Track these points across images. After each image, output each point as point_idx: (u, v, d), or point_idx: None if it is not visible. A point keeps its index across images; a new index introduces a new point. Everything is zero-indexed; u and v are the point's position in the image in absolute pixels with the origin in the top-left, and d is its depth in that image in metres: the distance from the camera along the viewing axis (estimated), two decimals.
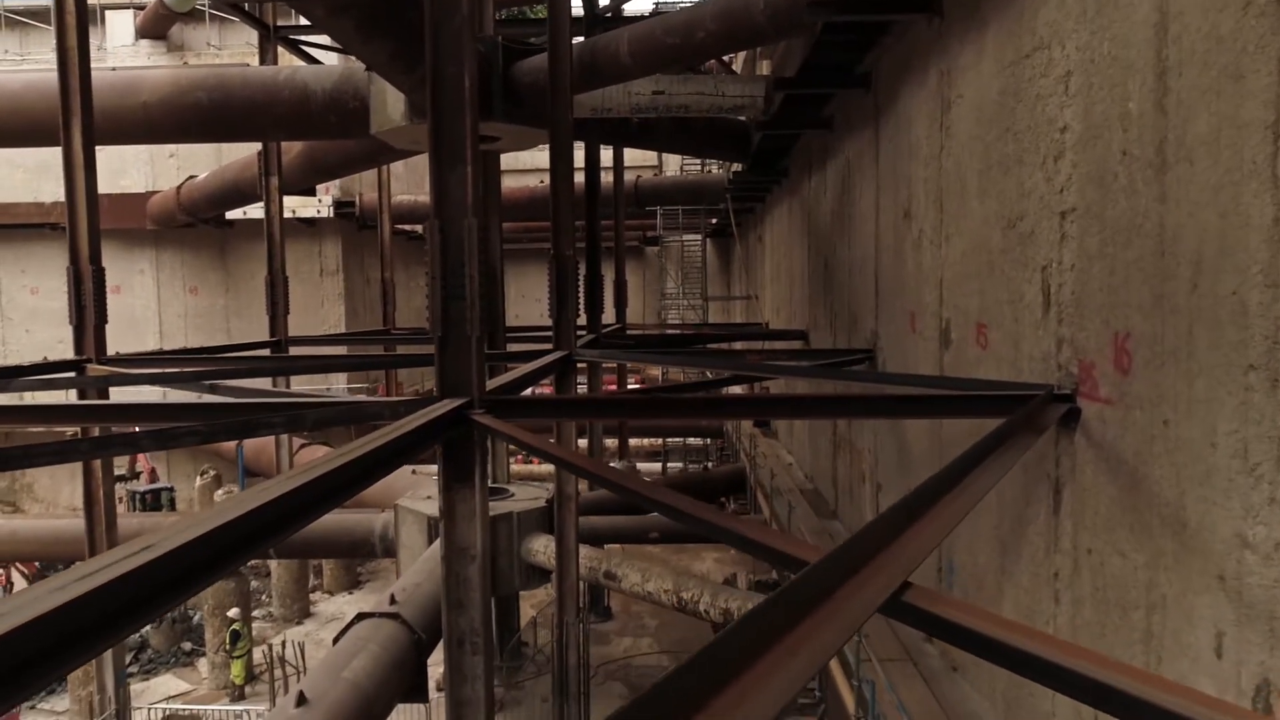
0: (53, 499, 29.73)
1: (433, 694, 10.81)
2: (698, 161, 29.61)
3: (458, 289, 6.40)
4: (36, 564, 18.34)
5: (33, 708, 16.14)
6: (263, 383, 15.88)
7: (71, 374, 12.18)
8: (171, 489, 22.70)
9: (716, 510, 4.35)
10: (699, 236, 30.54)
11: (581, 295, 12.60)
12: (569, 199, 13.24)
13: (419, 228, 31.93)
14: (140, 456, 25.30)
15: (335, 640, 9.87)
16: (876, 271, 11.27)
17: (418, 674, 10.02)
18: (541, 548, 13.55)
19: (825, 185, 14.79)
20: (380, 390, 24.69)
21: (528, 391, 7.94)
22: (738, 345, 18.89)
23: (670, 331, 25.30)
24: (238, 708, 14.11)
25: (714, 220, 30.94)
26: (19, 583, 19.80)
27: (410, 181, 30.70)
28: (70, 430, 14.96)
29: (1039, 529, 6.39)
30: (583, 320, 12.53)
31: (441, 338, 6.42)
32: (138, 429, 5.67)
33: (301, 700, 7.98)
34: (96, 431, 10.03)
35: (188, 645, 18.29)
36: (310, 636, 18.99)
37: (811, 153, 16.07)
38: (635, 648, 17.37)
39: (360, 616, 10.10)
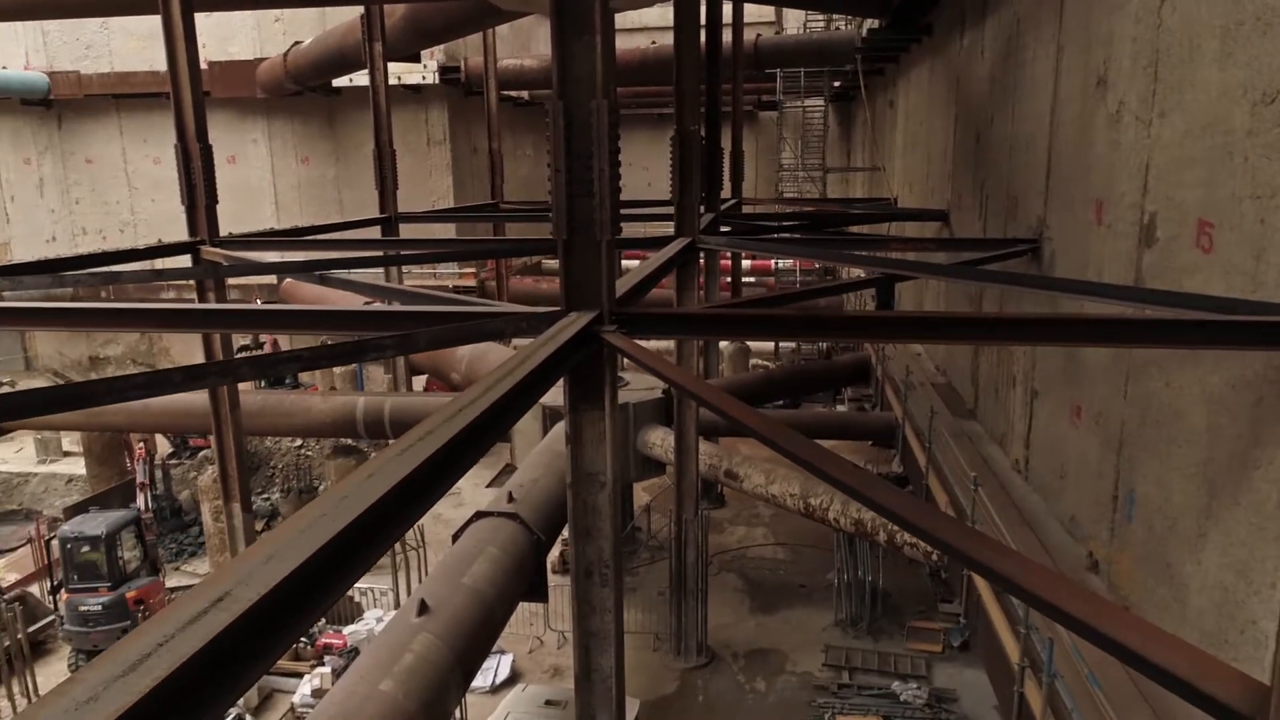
0: (188, 362, 31.16)
1: None
2: (821, 18, 27.09)
3: (584, 184, 5.52)
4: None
5: (177, 568, 17.20)
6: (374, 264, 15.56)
7: (188, 259, 12.01)
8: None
9: (846, 466, 3.80)
10: (821, 101, 28.28)
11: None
12: (695, 66, 11.94)
13: (525, 94, 30.74)
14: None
15: (454, 538, 9.69)
16: (1050, 149, 9.74)
17: (536, 574, 9.80)
18: (658, 440, 13.06)
19: (982, 45, 12.94)
20: (489, 269, 24.34)
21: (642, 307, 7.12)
22: (860, 228, 17.45)
23: (791, 209, 23.80)
24: (362, 584, 14.53)
25: (837, 84, 28.57)
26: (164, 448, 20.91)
27: (515, 44, 29.30)
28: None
29: (1272, 476, 5.29)
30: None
31: (567, 241, 5.61)
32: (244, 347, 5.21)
33: (423, 609, 7.77)
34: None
35: None
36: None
37: (965, 6, 14.08)
38: (750, 537, 17.05)
39: (478, 515, 9.85)
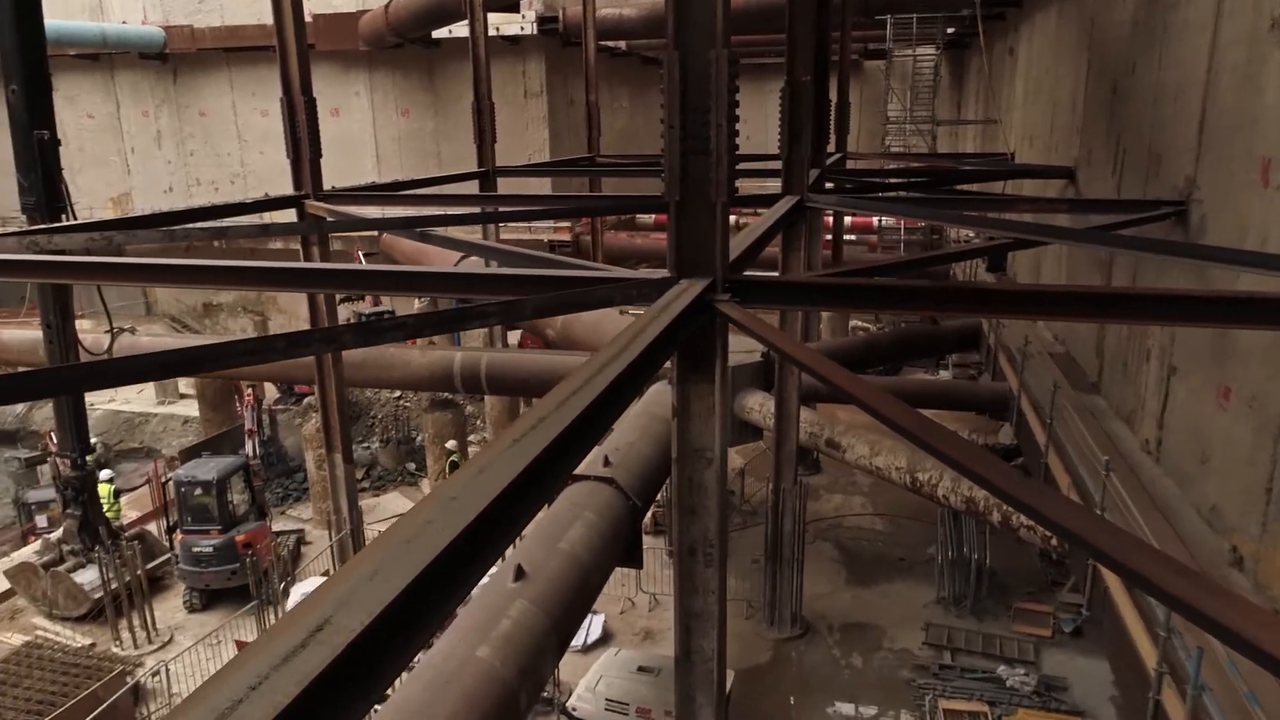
0: (293, 310, 32.13)
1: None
2: None
3: (700, 140, 5.13)
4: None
5: (283, 513, 17.83)
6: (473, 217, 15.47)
7: (292, 213, 12.10)
8: (393, 312, 23.64)
9: (961, 444, 3.52)
10: (934, 50, 26.72)
11: None
12: (807, 13, 11.27)
13: (622, 44, 30.11)
14: (359, 260, 26.50)
15: (549, 501, 9.58)
16: (1205, 100, 8.80)
17: (632, 540, 9.61)
18: (756, 406, 12.67)
19: None
20: (584, 224, 24.09)
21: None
22: (973, 186, 16.43)
23: (897, 165, 22.71)
24: None
25: (951, 30, 26.97)
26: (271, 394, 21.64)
27: None
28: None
29: None
30: None
31: (679, 202, 5.24)
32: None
33: (520, 574, 7.66)
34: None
35: (412, 466, 19.43)
36: None
37: None
38: (846, 506, 16.57)
39: (574, 478, 9.69)
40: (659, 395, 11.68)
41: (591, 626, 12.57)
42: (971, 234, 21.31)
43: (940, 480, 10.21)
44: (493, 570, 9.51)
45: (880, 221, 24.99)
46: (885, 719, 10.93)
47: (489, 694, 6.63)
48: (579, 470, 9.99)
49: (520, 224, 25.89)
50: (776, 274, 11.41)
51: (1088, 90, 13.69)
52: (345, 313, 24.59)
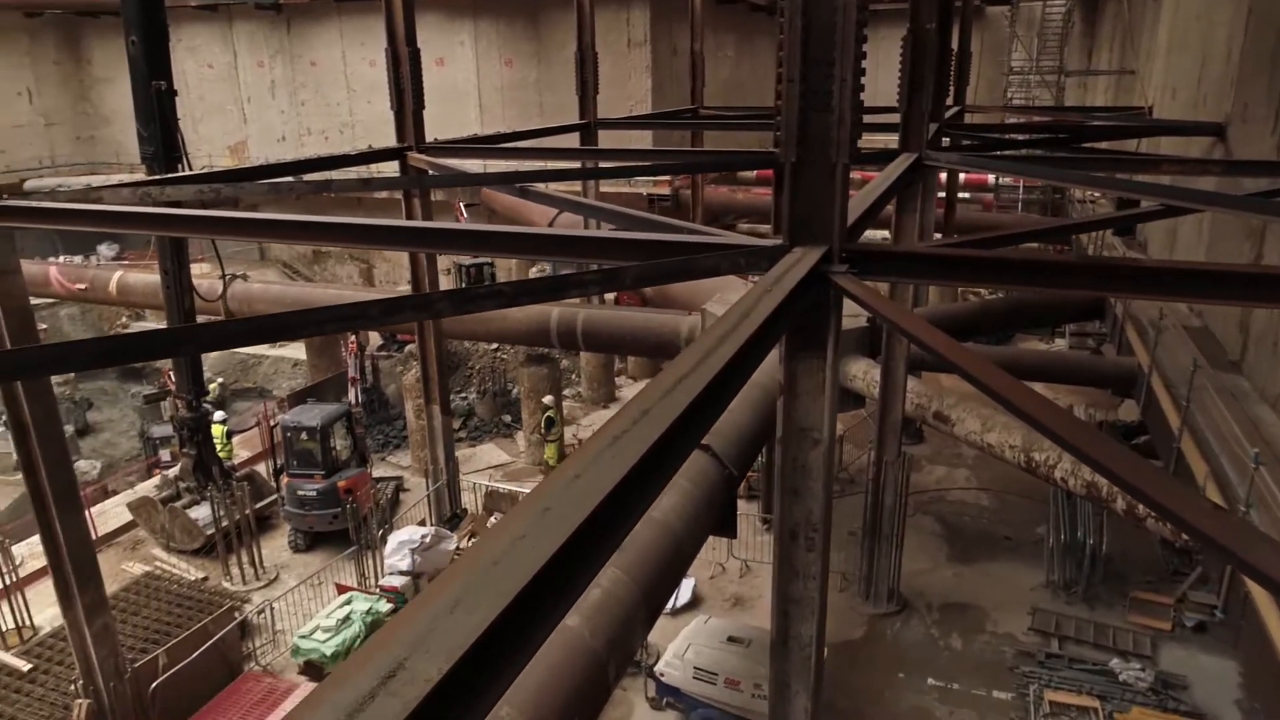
0: (398, 259, 32.77)
1: None
2: None
3: (822, 95, 4.68)
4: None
5: (383, 459, 18.28)
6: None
7: (394, 165, 12.08)
8: (492, 264, 23.76)
9: (1092, 436, 3.16)
10: None
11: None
12: None
13: None
14: (460, 214, 26.71)
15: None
16: None
17: (726, 509, 9.36)
18: (860, 374, 12.14)
19: None
20: (684, 180, 23.57)
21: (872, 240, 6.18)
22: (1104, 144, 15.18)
23: (1021, 119, 21.33)
24: None
25: None
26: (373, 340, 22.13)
27: None
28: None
29: None
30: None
31: (796, 163, 4.84)
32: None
33: None
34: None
35: (507, 418, 19.60)
36: None
37: None
38: (950, 479, 15.91)
39: None
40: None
41: (681, 590, 12.44)
42: (1097, 195, 19.90)
43: (1059, 462, 9.56)
44: None
45: (997, 179, 23.64)
46: (986, 705, 10.47)
47: (577, 665, 6.53)
48: None
49: (619, 177, 25.55)
50: (891, 243, 10.81)
51: (1247, 38, 12.38)
52: (446, 260, 24.87)
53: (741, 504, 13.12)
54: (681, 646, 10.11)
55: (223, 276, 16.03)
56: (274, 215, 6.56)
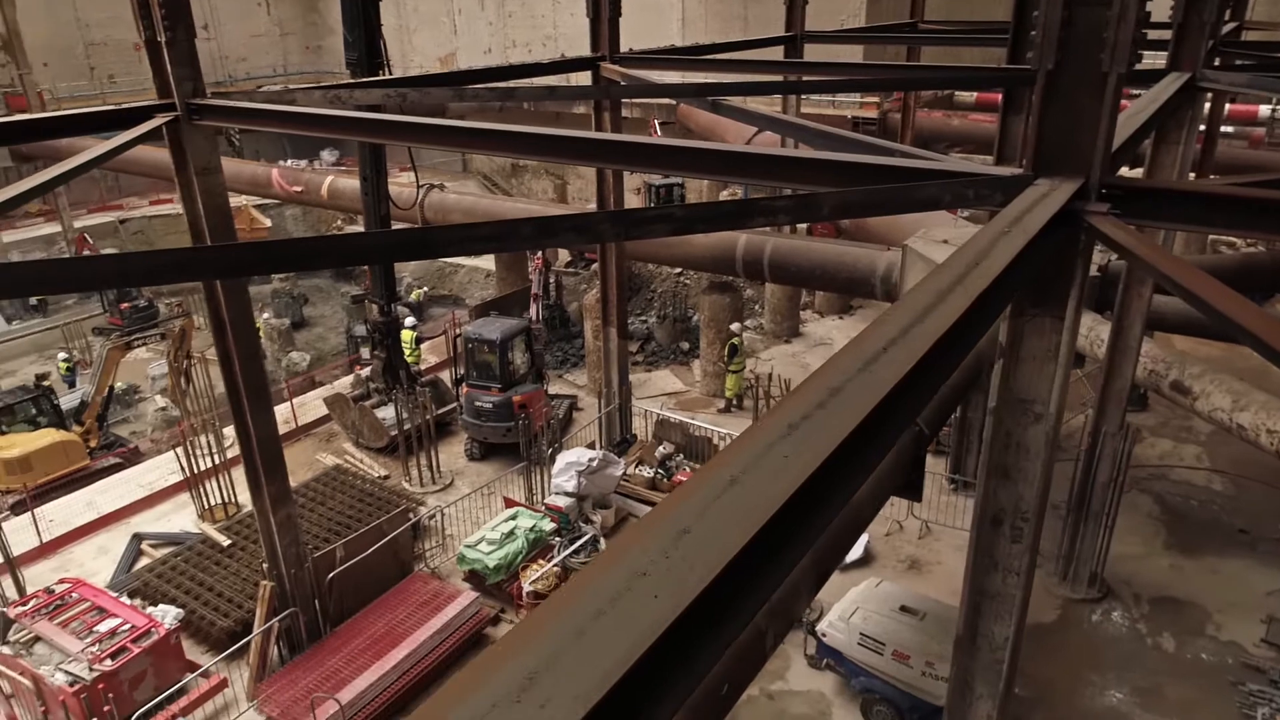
0: (591, 175, 32.81)
1: None
2: None
3: None
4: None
5: (560, 376, 18.40)
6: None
7: (587, 77, 11.58)
8: (682, 185, 23.13)
9: None
10: None
11: None
12: None
13: None
14: (654, 131, 26.13)
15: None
16: None
17: (914, 469, 8.43)
18: (1084, 330, 10.65)
19: None
20: (894, 100, 21.71)
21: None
22: None
23: None
24: (724, 429, 14.27)
25: None
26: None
27: None
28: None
29: None
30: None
31: (1051, 72, 3.85)
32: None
33: None
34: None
35: (685, 345, 19.16)
36: (796, 359, 18.66)
37: None
38: (1175, 455, 13.99)
39: None
40: None
41: (854, 545, 11.67)
42: None
43: None
44: None
45: (1275, 111, 20.21)
46: None
47: None
48: None
49: (823, 96, 23.98)
50: (1147, 177, 9.19)
51: None
52: (638, 179, 24.43)
53: (928, 459, 12.09)
54: (848, 608, 9.42)
55: (417, 186, 16.31)
56: (450, 122, 6.22)
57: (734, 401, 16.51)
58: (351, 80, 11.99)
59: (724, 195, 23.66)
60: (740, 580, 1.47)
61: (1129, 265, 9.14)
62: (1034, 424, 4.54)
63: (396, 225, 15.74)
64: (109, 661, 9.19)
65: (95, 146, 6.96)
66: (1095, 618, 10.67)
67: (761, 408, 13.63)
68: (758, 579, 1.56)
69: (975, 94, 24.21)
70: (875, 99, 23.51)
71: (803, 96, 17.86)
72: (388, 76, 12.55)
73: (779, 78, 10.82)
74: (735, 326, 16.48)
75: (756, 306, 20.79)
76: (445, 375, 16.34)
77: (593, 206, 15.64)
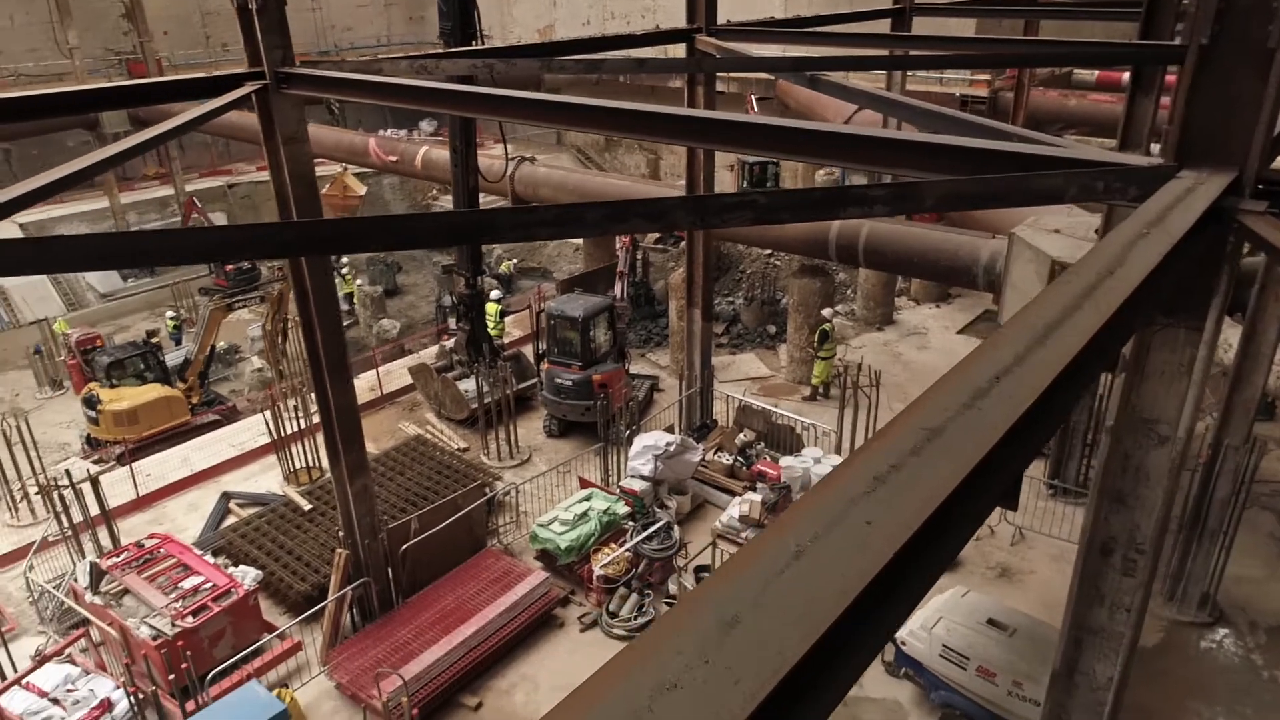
0: (683, 148, 32.28)
1: None
2: None
3: None
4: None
5: (643, 355, 18.16)
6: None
7: (682, 48, 11.19)
8: (776, 164, 22.47)
9: None
10: None
11: None
12: None
13: None
14: (751, 107, 25.45)
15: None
16: None
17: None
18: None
19: None
20: (1007, 77, 20.52)
21: None
22: None
23: None
24: (806, 418, 13.79)
25: None
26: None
27: None
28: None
29: None
30: None
31: (1205, 47, 3.33)
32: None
33: None
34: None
35: (772, 329, 18.65)
36: (888, 347, 17.93)
37: None
38: None
39: None
40: None
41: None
42: None
43: None
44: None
45: None
46: None
47: None
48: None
49: (930, 73, 22.87)
50: None
51: None
52: (733, 156, 23.85)
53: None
54: (930, 617, 8.93)
55: (506, 159, 16.21)
56: (531, 95, 5.95)
57: (820, 390, 15.97)
58: (441, 51, 11.88)
59: (820, 175, 22.90)
60: (797, 693, 1.15)
61: (1268, 265, 8.30)
62: (1157, 447, 4.04)
63: (485, 198, 15.69)
64: (190, 619, 9.44)
65: (186, 112, 6.98)
66: (1204, 644, 9.88)
67: (848, 397, 13.06)
68: (818, 689, 1.24)
69: (1096, 73, 22.75)
70: (986, 76, 22.29)
71: (908, 73, 17.03)
72: (480, 47, 12.40)
73: (884, 52, 10.19)
74: (827, 311, 15.90)
75: (849, 291, 20.08)
76: (528, 350, 16.29)
77: (680, 183, 15.26)
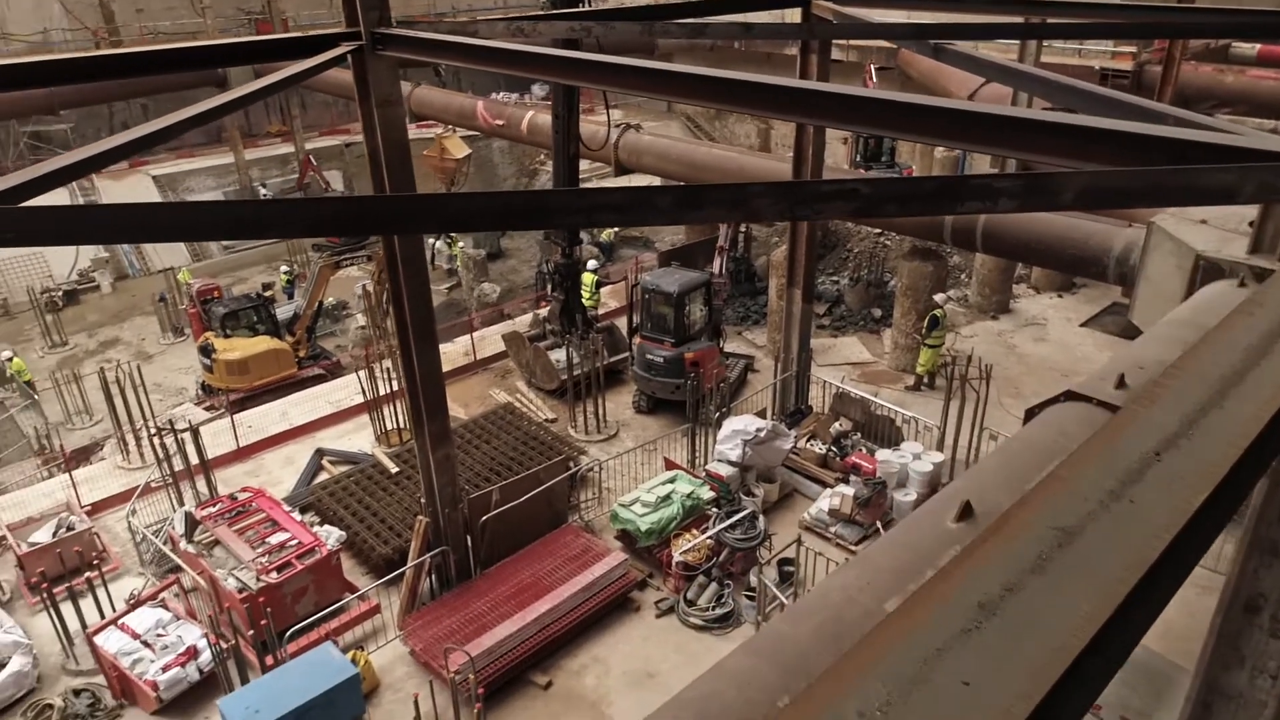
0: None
1: None
2: None
3: None
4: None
5: (739, 333, 17.61)
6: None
7: (797, 13, 10.56)
8: (893, 145, 21.45)
9: None
10: None
11: None
12: None
13: None
14: (869, 78, 24.42)
15: (1027, 417, 7.43)
16: None
17: None
18: None
19: None
20: (1155, 49, 18.84)
21: None
22: None
23: None
24: (909, 411, 13.05)
25: None
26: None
27: None
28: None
29: None
30: None
31: None
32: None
33: (966, 513, 5.90)
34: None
35: (877, 312, 17.77)
36: (1002, 338, 16.87)
37: None
38: None
39: (1069, 395, 7.35)
40: (1213, 300, 8.42)
41: None
42: None
43: None
44: (932, 502, 7.66)
45: None
46: None
47: None
48: (1078, 387, 7.60)
49: (1068, 44, 21.33)
50: None
51: None
52: (843, 134, 22.86)
53: None
54: None
55: (609, 126, 15.85)
56: (626, 61, 5.55)
57: (925, 380, 15.16)
58: (540, 12, 11.57)
59: (939, 152, 21.73)
60: None
61: None
62: None
63: (589, 166, 15.39)
64: (275, 574, 9.62)
65: (285, 69, 6.89)
66: None
67: (954, 390, 12.28)
68: None
69: (1258, 46, 20.74)
70: (1131, 48, 20.59)
71: (1044, 43, 15.79)
72: (579, 9, 12.03)
73: (1018, 19, 9.30)
74: (940, 297, 15.02)
75: (963, 276, 19.01)
76: (621, 322, 16.02)
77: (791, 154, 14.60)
